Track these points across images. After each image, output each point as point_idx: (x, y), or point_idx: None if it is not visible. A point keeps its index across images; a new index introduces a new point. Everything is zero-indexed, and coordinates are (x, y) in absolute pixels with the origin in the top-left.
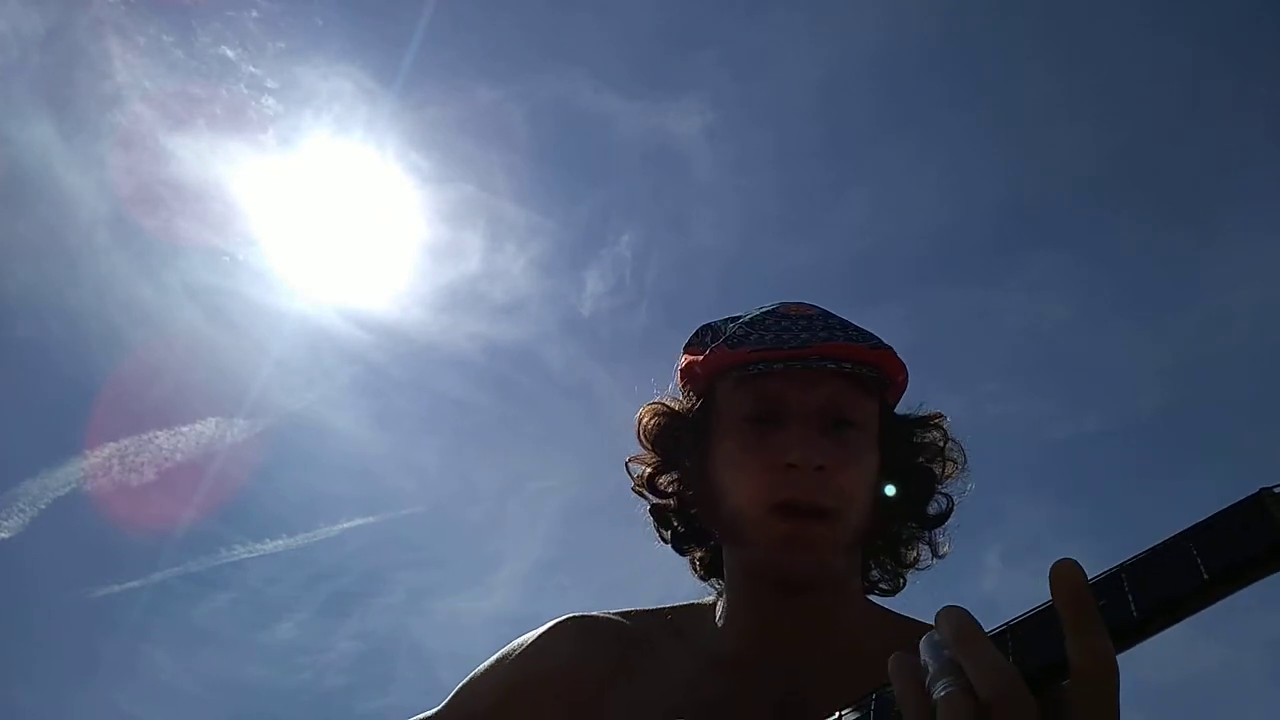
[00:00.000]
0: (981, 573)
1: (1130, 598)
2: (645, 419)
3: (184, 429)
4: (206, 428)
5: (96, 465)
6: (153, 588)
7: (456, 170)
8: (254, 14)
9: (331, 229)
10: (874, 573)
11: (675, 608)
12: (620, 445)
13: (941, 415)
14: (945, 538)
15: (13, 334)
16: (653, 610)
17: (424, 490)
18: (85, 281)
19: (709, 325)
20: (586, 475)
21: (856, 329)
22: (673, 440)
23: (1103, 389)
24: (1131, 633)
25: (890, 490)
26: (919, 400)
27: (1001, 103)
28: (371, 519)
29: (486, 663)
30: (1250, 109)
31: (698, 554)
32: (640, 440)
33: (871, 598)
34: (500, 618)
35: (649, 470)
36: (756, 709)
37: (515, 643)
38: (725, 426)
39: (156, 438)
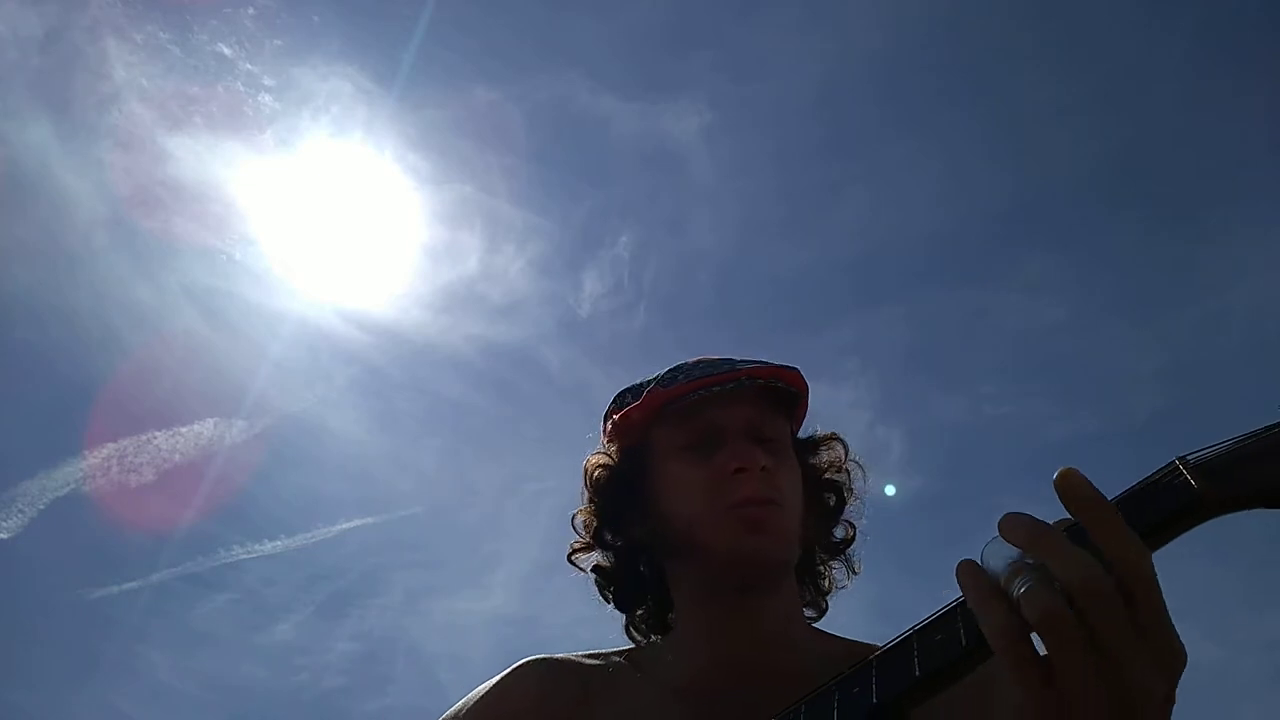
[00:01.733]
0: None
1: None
2: (591, 469)
3: (183, 430)
4: (205, 429)
5: (95, 466)
6: (151, 588)
7: (455, 171)
8: (251, 11)
9: (330, 230)
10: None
11: (631, 649)
12: None
13: (837, 435)
14: (857, 557)
15: (11, 335)
16: (611, 651)
17: (422, 491)
18: (84, 282)
19: (627, 389)
20: None
21: (763, 360)
22: (618, 484)
23: (1100, 389)
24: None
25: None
26: (814, 426)
27: (999, 104)
28: (370, 520)
29: (450, 710)
30: (1247, 109)
31: (640, 610)
32: (587, 489)
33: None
34: (498, 618)
35: (595, 522)
36: None
37: (478, 689)
38: (666, 459)
39: (155, 439)
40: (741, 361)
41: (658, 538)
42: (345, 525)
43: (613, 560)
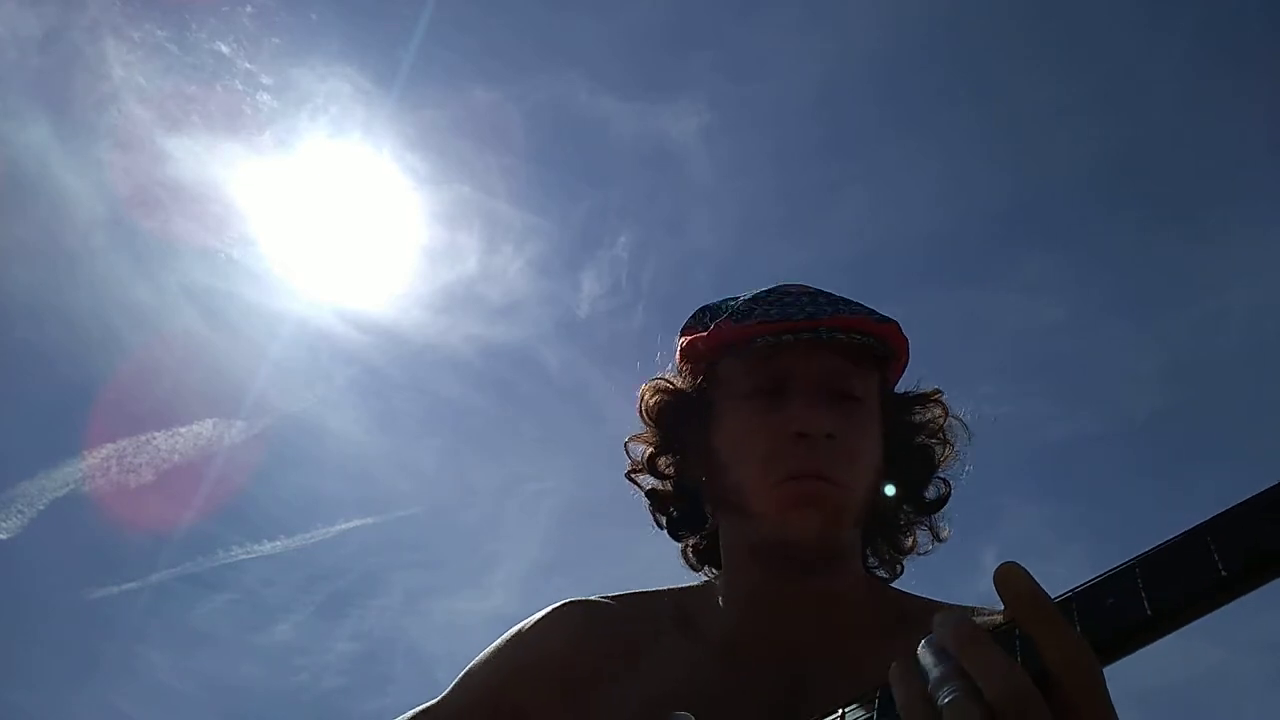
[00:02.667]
0: (978, 573)
1: (1144, 594)
2: (647, 396)
3: (182, 430)
4: (204, 429)
5: (95, 466)
6: (151, 589)
7: (453, 172)
8: (249, 9)
9: (329, 230)
10: (870, 560)
11: (678, 590)
12: (618, 447)
13: (940, 391)
14: (945, 523)
15: (10, 335)
16: (655, 593)
17: (421, 491)
18: (83, 283)
19: (707, 306)
20: (583, 476)
21: (859, 303)
22: (675, 417)
23: (1099, 389)
24: (1144, 630)
25: (890, 486)
26: (916, 379)
27: (999, 104)
28: (369, 520)
29: (488, 649)
30: (1247, 109)
31: (691, 540)
32: (642, 417)
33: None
34: (498, 619)
35: (650, 450)
36: (761, 698)
37: (516, 627)
38: (729, 401)
39: (155, 439)
40: (828, 303)
41: (710, 485)
42: (345, 525)
43: (667, 489)
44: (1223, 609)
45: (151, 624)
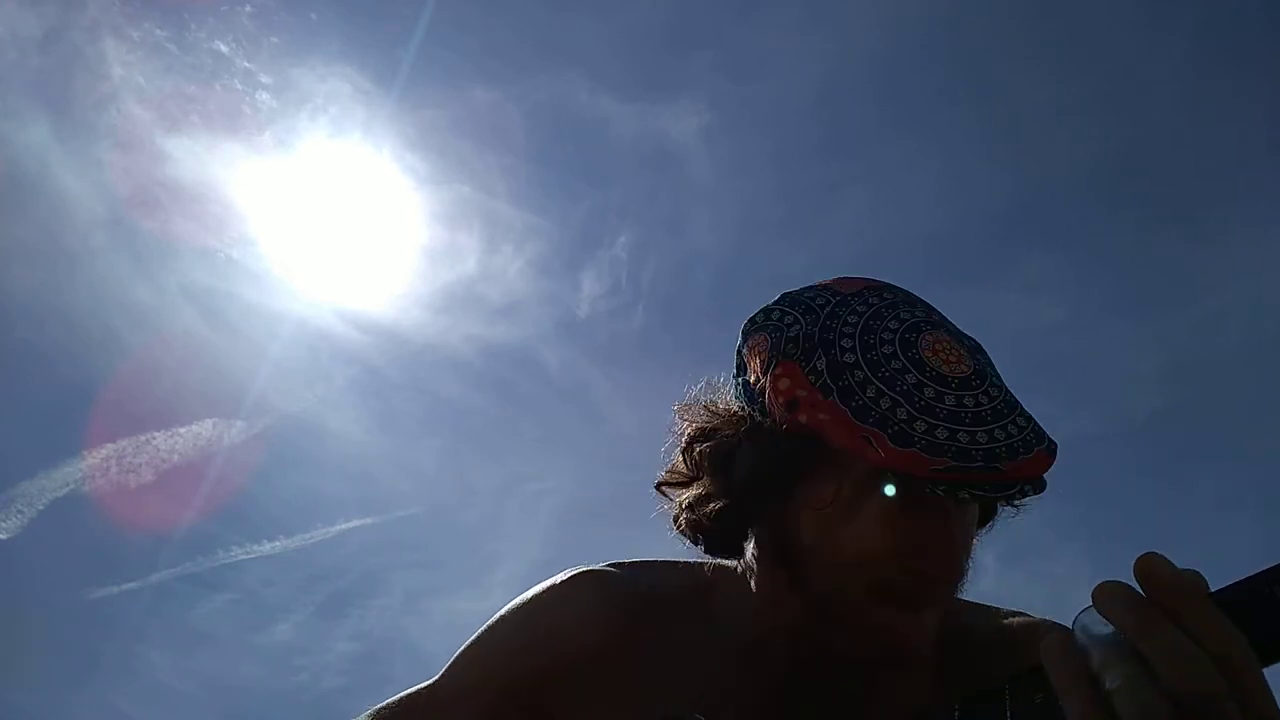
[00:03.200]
0: (979, 573)
1: None
2: (691, 433)
3: (182, 430)
4: (204, 429)
5: (95, 467)
6: (151, 589)
7: (453, 172)
8: (248, 9)
9: (329, 230)
10: None
11: (698, 566)
12: (618, 447)
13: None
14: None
15: (11, 335)
16: (672, 566)
17: (421, 491)
18: (83, 283)
19: (819, 343)
20: (584, 476)
21: (1024, 412)
22: (740, 471)
23: (1099, 389)
24: None
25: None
26: None
27: (998, 104)
28: (369, 520)
29: (493, 619)
30: (1246, 109)
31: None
32: (684, 460)
33: None
34: None
35: (698, 495)
36: (778, 701)
37: (523, 597)
38: (849, 483)
39: (154, 439)
40: (1015, 429)
41: (784, 556)
42: (344, 525)
43: (713, 511)
44: None
45: (151, 624)
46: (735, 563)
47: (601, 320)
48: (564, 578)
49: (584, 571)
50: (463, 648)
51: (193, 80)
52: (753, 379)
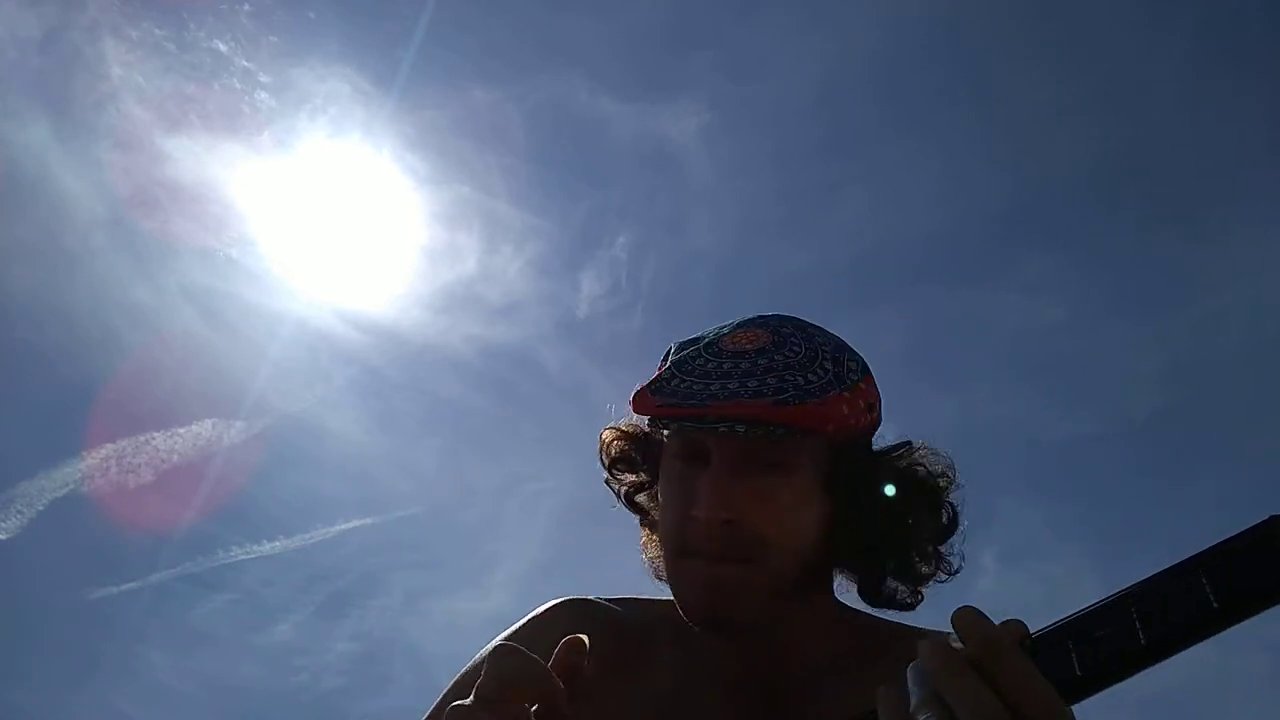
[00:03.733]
0: (978, 574)
1: (1138, 626)
2: (608, 441)
3: (182, 430)
4: (204, 429)
5: (94, 467)
6: (150, 589)
7: (453, 172)
8: (247, 8)
9: (328, 231)
10: (893, 585)
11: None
12: None
13: (908, 445)
14: (954, 551)
15: (10, 335)
16: (652, 601)
17: (421, 492)
18: (82, 283)
19: (673, 346)
20: (583, 476)
21: (779, 377)
22: (631, 464)
23: (1099, 389)
24: (1137, 661)
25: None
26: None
27: (998, 104)
28: (369, 520)
29: (480, 653)
30: (1246, 109)
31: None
32: (601, 463)
33: (866, 608)
34: (497, 619)
35: (625, 490)
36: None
37: (508, 630)
38: (664, 459)
39: (154, 439)
40: (734, 383)
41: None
42: (344, 526)
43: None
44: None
45: (151, 624)
46: None
47: (601, 320)
48: (545, 607)
49: (566, 600)
50: (452, 681)
51: (192, 80)
52: None
